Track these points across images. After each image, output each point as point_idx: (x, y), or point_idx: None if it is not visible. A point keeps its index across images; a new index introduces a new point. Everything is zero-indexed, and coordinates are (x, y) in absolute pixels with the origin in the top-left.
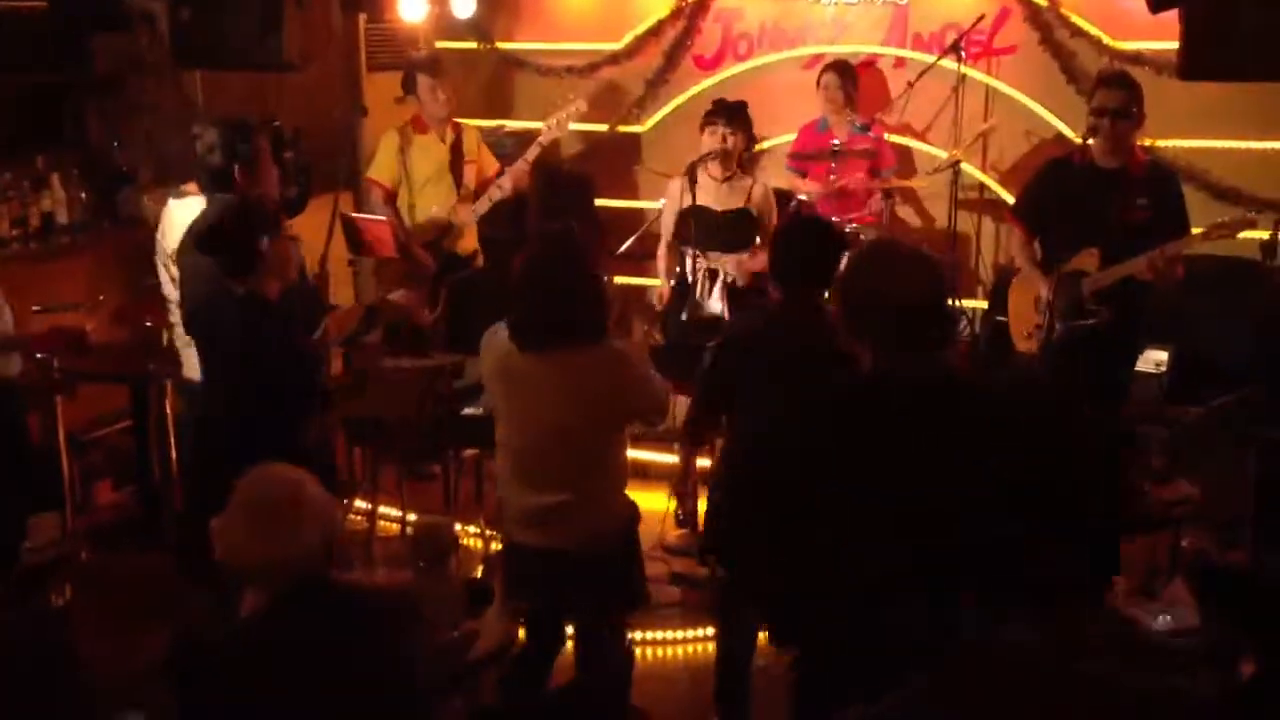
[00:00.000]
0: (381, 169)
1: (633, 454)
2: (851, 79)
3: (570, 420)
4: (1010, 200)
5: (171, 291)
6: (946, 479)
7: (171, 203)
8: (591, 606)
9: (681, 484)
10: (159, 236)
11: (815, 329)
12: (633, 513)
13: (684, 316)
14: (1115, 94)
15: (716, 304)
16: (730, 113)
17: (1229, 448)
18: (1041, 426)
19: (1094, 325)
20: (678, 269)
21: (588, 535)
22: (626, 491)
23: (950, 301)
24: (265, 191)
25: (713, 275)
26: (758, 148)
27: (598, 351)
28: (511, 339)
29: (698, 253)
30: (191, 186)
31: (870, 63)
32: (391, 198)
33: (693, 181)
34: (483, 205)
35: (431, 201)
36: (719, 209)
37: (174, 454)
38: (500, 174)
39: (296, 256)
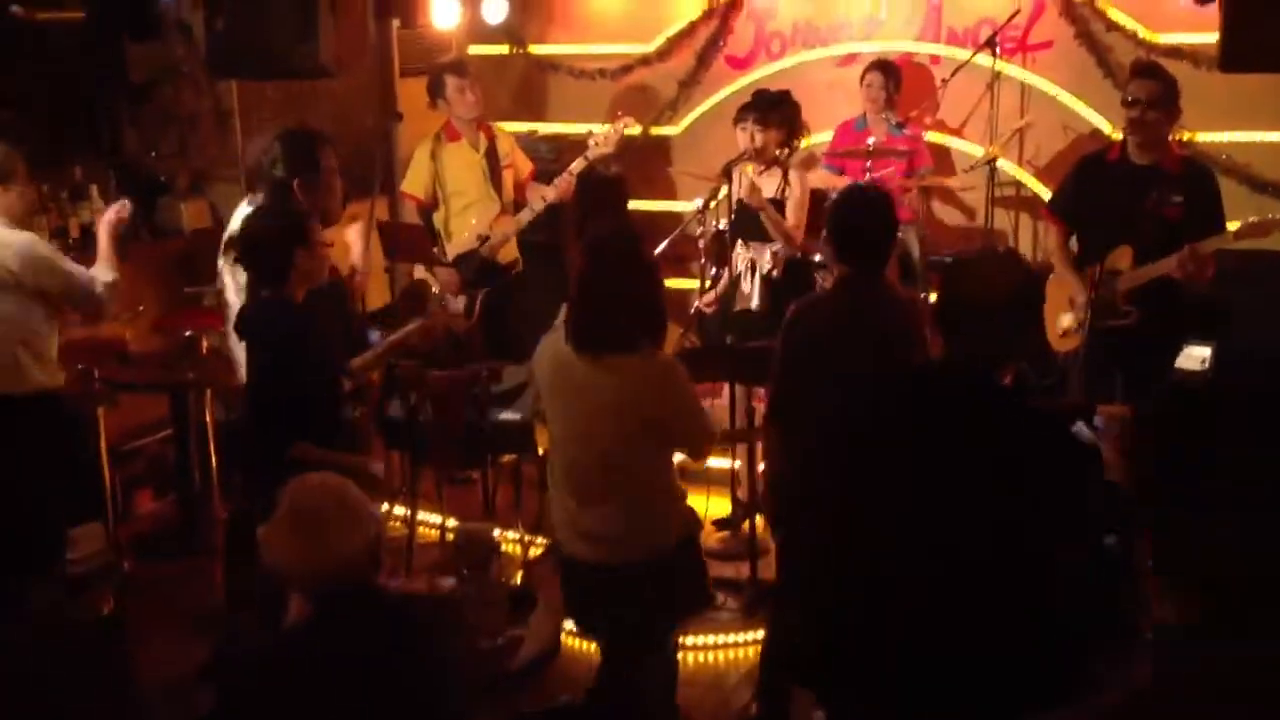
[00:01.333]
0: (414, 182)
1: None
2: (895, 78)
3: (621, 427)
4: (1047, 197)
5: (232, 297)
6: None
7: (243, 206)
8: (641, 621)
9: (743, 490)
10: (225, 240)
11: (873, 306)
12: (690, 523)
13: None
14: (1145, 84)
15: (755, 298)
16: (760, 108)
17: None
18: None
19: (1125, 325)
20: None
21: (638, 550)
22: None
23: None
24: (327, 207)
25: (753, 266)
26: None
27: (652, 359)
28: (567, 341)
29: (741, 244)
30: None
31: (909, 58)
32: (426, 210)
33: (729, 181)
34: (525, 215)
35: (471, 215)
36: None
37: (214, 462)
38: (534, 175)
39: (327, 263)
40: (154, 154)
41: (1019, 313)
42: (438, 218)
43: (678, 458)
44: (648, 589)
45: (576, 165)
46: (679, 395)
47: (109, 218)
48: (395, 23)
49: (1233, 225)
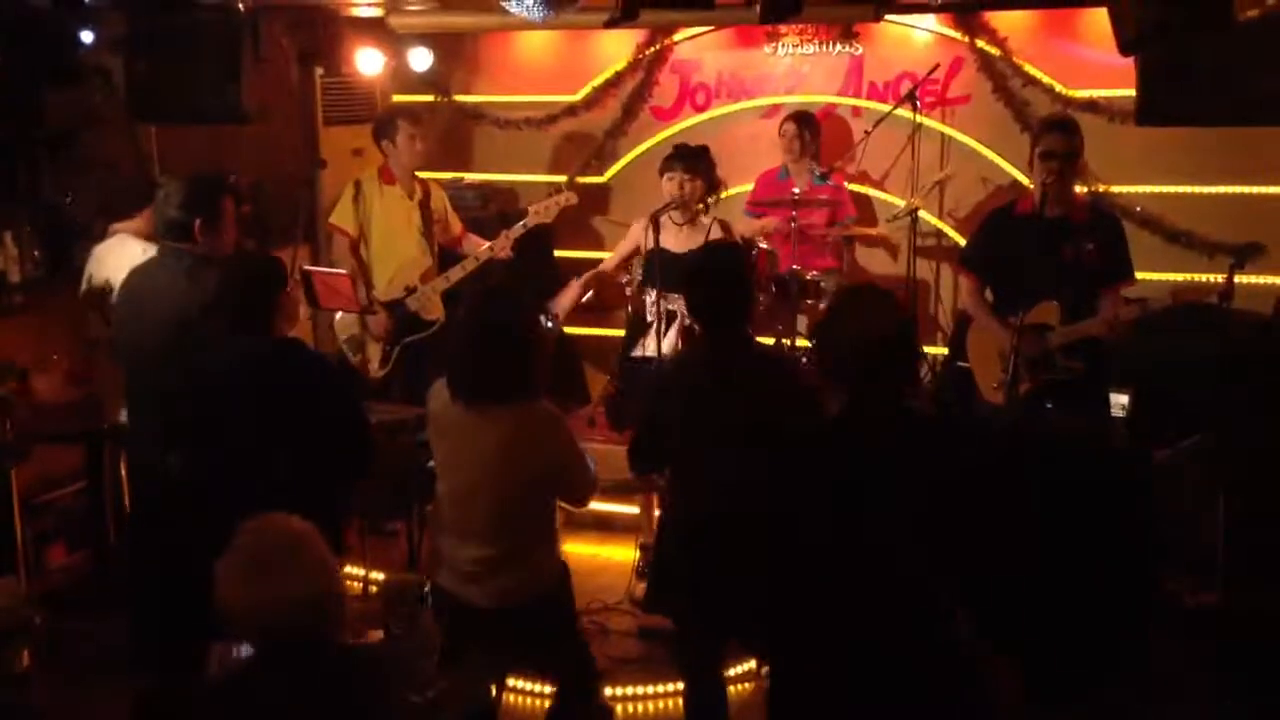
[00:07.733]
0: (344, 216)
1: (597, 507)
2: (811, 128)
3: (499, 475)
4: None
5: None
6: (910, 512)
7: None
8: (523, 662)
9: (645, 535)
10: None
11: (733, 365)
12: (563, 572)
13: (642, 353)
14: (1060, 139)
15: (671, 345)
16: (687, 158)
17: (1196, 488)
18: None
19: (1068, 378)
20: (643, 309)
21: (514, 591)
22: (564, 548)
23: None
24: (220, 248)
25: (670, 317)
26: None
27: (531, 410)
28: (448, 390)
29: (660, 294)
30: (123, 225)
31: (831, 110)
32: (355, 245)
33: (656, 229)
34: (455, 274)
35: (396, 261)
36: (679, 251)
37: (129, 513)
38: (463, 234)
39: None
40: (70, 200)
41: (904, 346)
42: (364, 254)
43: None
44: (521, 632)
45: (515, 231)
46: (558, 447)
47: None
48: (319, 70)
49: (1146, 275)
